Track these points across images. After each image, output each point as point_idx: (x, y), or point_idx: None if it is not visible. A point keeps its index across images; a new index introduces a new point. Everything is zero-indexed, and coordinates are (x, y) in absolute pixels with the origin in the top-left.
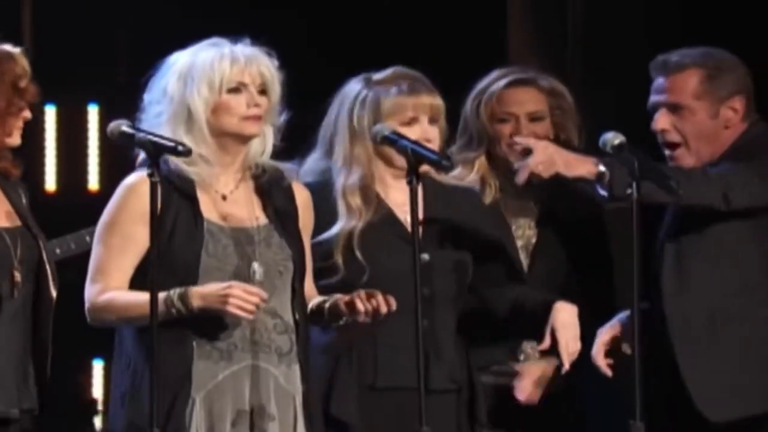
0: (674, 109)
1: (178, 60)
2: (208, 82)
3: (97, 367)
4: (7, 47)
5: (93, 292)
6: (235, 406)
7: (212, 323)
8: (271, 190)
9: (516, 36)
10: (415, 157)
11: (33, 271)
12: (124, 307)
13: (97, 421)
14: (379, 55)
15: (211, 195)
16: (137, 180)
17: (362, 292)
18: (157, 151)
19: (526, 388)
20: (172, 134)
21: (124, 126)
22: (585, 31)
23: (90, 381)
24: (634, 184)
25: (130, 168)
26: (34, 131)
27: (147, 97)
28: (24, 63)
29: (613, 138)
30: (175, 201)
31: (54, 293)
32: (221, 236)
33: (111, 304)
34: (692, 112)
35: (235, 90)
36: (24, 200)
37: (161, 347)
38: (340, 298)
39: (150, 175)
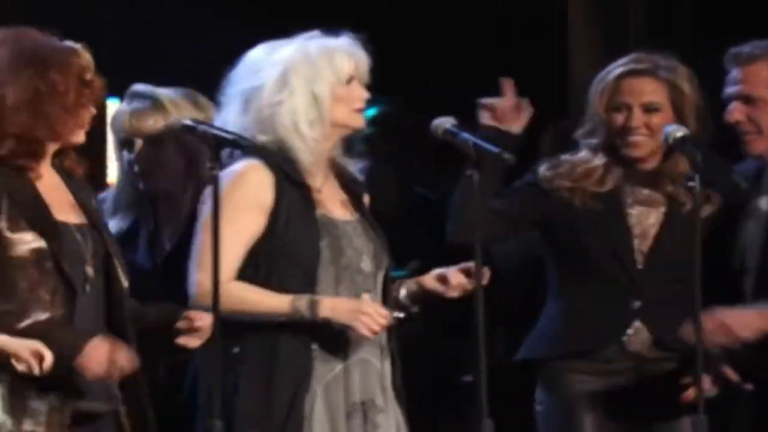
0: (747, 100)
1: (284, 53)
2: (334, 71)
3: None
4: (70, 43)
5: (203, 280)
6: (349, 398)
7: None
8: (351, 186)
9: (577, 35)
10: (477, 150)
11: (102, 265)
12: (255, 301)
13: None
14: (444, 56)
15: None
16: (248, 167)
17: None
18: (217, 145)
19: None
20: (290, 123)
21: (185, 120)
22: (647, 30)
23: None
24: (697, 177)
25: None
26: (99, 126)
27: (238, 90)
28: (87, 57)
29: (675, 131)
30: (287, 190)
31: (125, 284)
32: (331, 228)
33: (237, 295)
34: (765, 102)
35: (349, 81)
36: (91, 197)
37: (280, 339)
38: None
39: (210, 168)
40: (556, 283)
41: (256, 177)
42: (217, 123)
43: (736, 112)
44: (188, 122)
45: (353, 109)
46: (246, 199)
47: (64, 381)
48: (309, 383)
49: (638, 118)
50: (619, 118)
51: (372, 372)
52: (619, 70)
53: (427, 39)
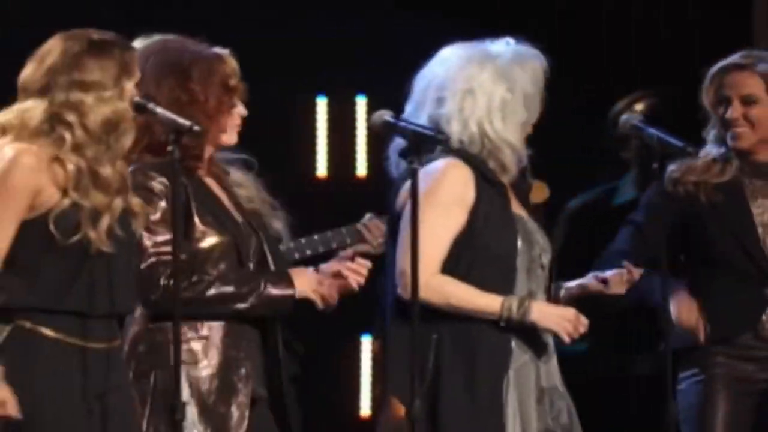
0: None
1: (480, 57)
2: (527, 77)
3: (365, 342)
4: (217, 49)
5: (423, 266)
6: (538, 383)
7: None
8: (520, 183)
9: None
10: (661, 145)
11: (258, 262)
12: (464, 297)
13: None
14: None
15: None
16: (451, 165)
17: None
18: (417, 140)
19: None
20: (488, 124)
21: (386, 116)
22: None
23: (359, 356)
24: None
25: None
26: (306, 121)
27: (433, 88)
28: (233, 63)
29: None
30: (485, 187)
31: None
32: (521, 224)
33: (445, 290)
34: None
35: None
36: (256, 193)
37: (481, 327)
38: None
39: (410, 162)
40: (688, 276)
41: (459, 175)
42: (409, 118)
43: None
44: (389, 119)
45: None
46: (452, 196)
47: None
48: (508, 367)
49: (737, 109)
50: (721, 111)
51: (553, 359)
52: (722, 65)
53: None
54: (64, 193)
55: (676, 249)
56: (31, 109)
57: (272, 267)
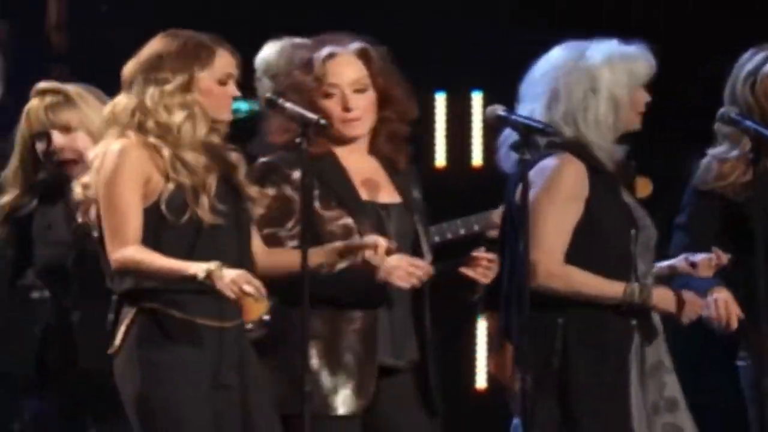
0: None
1: (589, 57)
2: (633, 77)
3: (481, 321)
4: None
5: (543, 259)
6: (647, 359)
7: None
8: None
9: None
10: (757, 137)
11: (410, 243)
12: (593, 285)
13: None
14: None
15: None
16: (566, 161)
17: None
18: (527, 133)
19: None
20: (593, 123)
21: (499, 110)
22: None
23: (475, 334)
24: None
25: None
26: (426, 115)
27: (545, 86)
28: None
29: None
30: (595, 180)
31: (428, 260)
32: (632, 212)
33: (576, 279)
34: None
35: (642, 87)
36: (411, 181)
37: (605, 311)
38: None
39: (521, 154)
40: (738, 266)
41: (573, 169)
42: (521, 113)
43: None
44: (502, 113)
45: (638, 113)
46: (569, 190)
47: (368, 338)
48: (630, 349)
49: None
50: None
51: (660, 336)
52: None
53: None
54: (167, 178)
55: (725, 245)
56: (119, 103)
57: (423, 245)
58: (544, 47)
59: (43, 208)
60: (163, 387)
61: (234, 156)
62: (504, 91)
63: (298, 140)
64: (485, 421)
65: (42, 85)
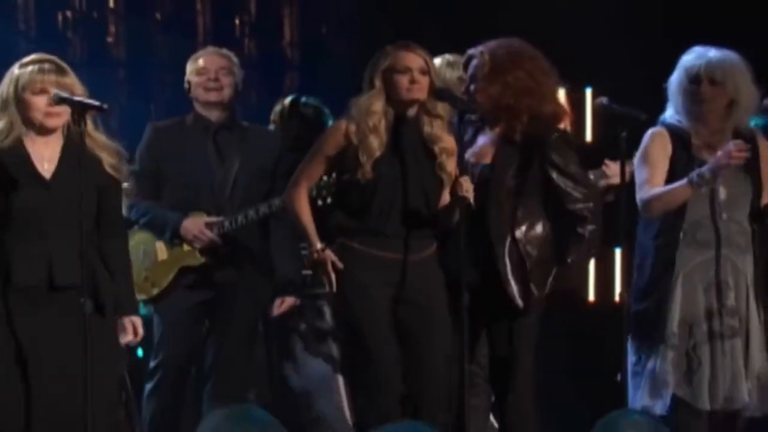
0: None
1: (681, 61)
2: (682, 80)
3: (617, 253)
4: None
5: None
6: (705, 281)
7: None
8: None
9: None
10: None
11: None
12: (667, 191)
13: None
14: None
15: None
16: (656, 131)
17: None
18: (623, 117)
19: None
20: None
21: (603, 100)
22: None
23: (613, 269)
24: None
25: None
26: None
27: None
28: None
29: None
30: (679, 146)
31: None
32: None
33: (655, 193)
34: None
35: None
36: None
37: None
38: None
39: (621, 131)
40: None
41: (658, 136)
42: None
43: None
44: (605, 102)
45: None
46: (655, 152)
47: None
48: (673, 269)
49: None
50: None
51: (729, 262)
52: None
53: None
54: (349, 142)
55: None
56: None
57: None
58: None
59: None
60: (351, 296)
61: None
62: (610, 87)
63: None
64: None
65: None
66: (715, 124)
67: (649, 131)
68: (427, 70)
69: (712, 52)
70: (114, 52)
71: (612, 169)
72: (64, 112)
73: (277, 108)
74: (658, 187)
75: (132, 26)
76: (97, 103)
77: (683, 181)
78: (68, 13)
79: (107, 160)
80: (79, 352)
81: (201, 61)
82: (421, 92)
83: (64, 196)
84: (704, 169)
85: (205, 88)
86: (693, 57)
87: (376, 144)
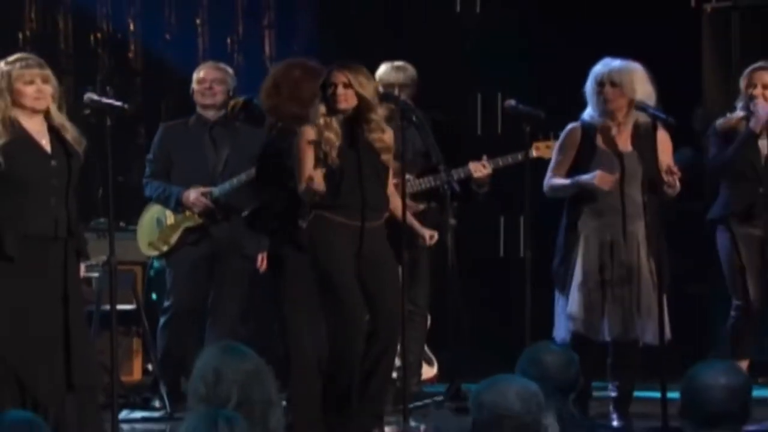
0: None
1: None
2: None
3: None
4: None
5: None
6: (601, 241)
7: None
8: None
9: None
10: None
11: None
12: None
13: None
14: None
15: None
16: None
17: None
18: (522, 118)
19: None
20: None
21: (512, 102)
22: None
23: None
24: None
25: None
26: None
27: None
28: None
29: None
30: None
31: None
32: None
33: None
34: None
35: None
36: None
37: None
38: None
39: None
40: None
41: (574, 133)
42: None
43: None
44: (513, 103)
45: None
46: (568, 144)
47: None
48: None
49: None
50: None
51: (622, 226)
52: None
53: None
54: (315, 140)
55: None
56: None
57: None
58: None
59: None
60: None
61: None
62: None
63: None
64: None
65: None
66: (619, 119)
67: (567, 126)
68: (348, 84)
69: (615, 62)
70: (134, 65)
71: (475, 167)
72: (47, 97)
73: (232, 103)
74: (556, 179)
75: (147, 44)
76: (119, 103)
77: (567, 182)
78: (98, 35)
79: (72, 135)
80: (70, 286)
81: (201, 73)
82: (345, 102)
83: (60, 164)
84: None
85: (202, 94)
86: (600, 66)
87: (333, 137)
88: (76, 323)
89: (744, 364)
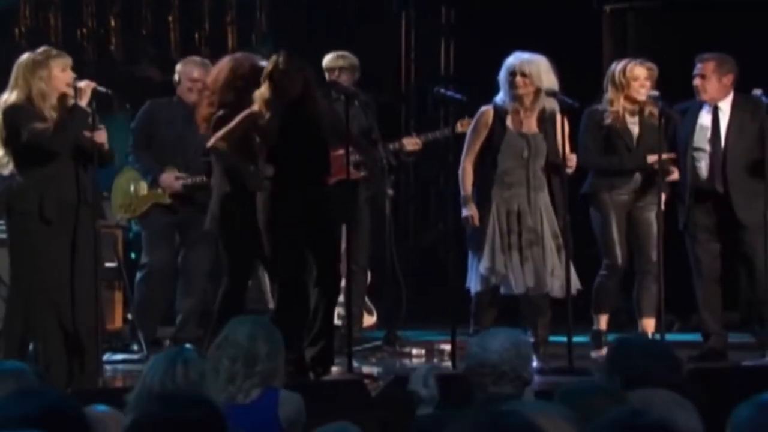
0: (702, 77)
1: None
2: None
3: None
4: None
5: None
6: (509, 209)
7: None
8: None
9: None
10: None
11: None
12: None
13: None
14: None
15: None
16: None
17: None
18: (447, 101)
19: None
20: None
21: (441, 89)
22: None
23: None
24: None
25: None
26: None
27: None
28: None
29: None
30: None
31: None
32: None
33: None
34: (709, 78)
35: None
36: None
37: None
38: None
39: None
40: None
41: (486, 115)
42: None
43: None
44: (441, 90)
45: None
46: (480, 125)
47: None
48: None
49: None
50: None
51: (527, 196)
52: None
53: None
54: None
55: None
56: None
57: None
58: None
59: None
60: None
61: None
62: None
63: None
64: None
65: None
66: (527, 104)
67: (481, 108)
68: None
69: (525, 55)
70: (115, 56)
71: (408, 141)
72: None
73: None
74: (465, 177)
75: (126, 37)
76: (105, 89)
77: (464, 188)
78: (84, 30)
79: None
80: (90, 243)
81: (195, 74)
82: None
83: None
84: None
85: (190, 90)
86: (512, 58)
87: (274, 119)
88: (94, 274)
89: (605, 318)
